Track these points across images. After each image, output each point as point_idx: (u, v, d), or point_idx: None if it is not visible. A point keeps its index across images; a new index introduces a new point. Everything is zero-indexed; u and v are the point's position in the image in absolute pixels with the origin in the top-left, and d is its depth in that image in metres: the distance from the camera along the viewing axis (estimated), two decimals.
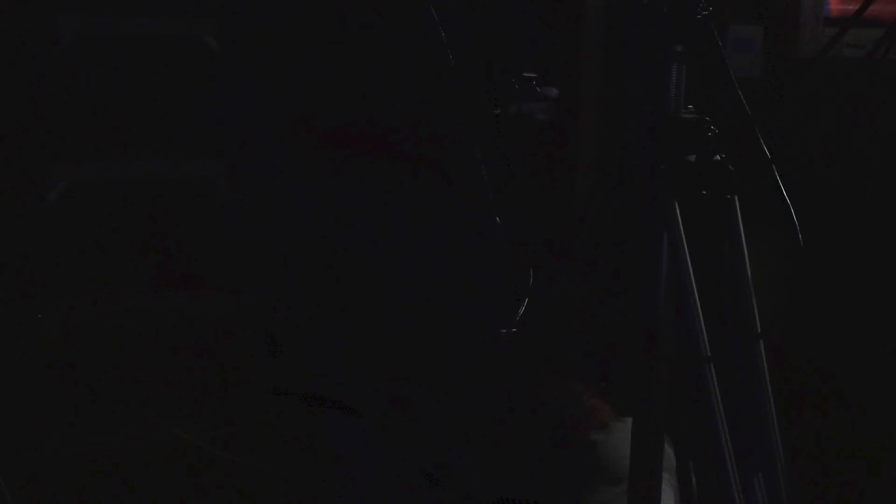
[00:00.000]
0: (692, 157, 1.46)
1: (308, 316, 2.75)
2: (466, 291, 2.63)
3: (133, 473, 2.52)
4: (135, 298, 2.68)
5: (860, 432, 2.77)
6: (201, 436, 2.59)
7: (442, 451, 2.35)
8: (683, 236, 1.43)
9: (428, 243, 2.65)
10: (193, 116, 2.76)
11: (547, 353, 2.48)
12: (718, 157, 1.47)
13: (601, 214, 1.65)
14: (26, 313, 2.55)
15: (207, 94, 2.74)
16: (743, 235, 1.46)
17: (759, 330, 1.47)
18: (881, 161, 2.90)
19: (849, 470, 2.67)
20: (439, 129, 2.67)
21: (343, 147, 2.72)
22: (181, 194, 2.78)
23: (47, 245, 2.63)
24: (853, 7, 2.34)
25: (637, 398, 1.54)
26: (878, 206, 2.90)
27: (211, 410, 2.68)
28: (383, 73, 2.72)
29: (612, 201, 1.61)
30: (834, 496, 2.56)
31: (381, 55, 2.71)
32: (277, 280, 2.78)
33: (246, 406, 2.66)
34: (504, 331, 1.78)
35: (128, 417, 2.62)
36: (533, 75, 2.49)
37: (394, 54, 2.70)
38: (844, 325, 2.90)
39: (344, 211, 2.75)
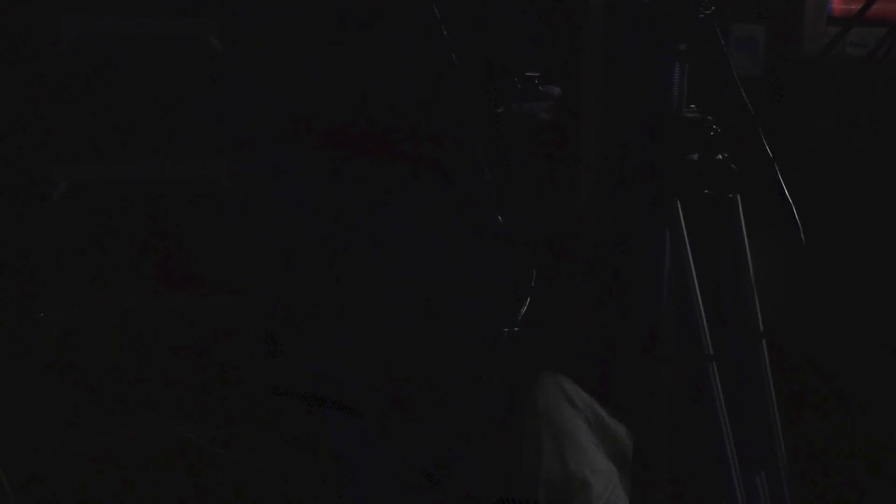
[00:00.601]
0: (695, 157, 1.46)
1: (308, 316, 2.75)
2: (466, 291, 2.63)
3: (133, 473, 2.52)
4: (135, 298, 2.68)
5: (860, 432, 2.77)
6: (201, 436, 2.59)
7: (442, 451, 2.35)
8: (686, 236, 1.43)
9: (428, 243, 2.65)
10: (194, 116, 2.76)
11: (547, 353, 2.48)
12: (721, 157, 1.46)
13: (601, 214, 1.65)
14: (26, 313, 2.55)
15: (208, 93, 2.74)
16: (745, 235, 1.46)
17: (762, 330, 1.47)
18: (881, 161, 2.90)
19: (849, 470, 2.67)
20: (439, 129, 2.67)
21: (343, 147, 2.72)
22: (181, 194, 2.78)
23: (48, 245, 2.63)
24: (856, 6, 2.34)
25: (637, 398, 1.54)
26: (878, 206, 2.90)
27: (211, 410, 2.68)
28: (383, 73, 2.72)
29: (612, 201, 1.61)
30: (834, 496, 2.56)
31: (381, 55, 2.72)
32: (278, 280, 2.78)
33: (246, 406, 2.66)
34: (506, 330, 1.77)
35: (128, 417, 2.62)
36: (535, 74, 2.49)
37: (394, 54, 2.70)
38: (844, 325, 2.90)
39: (344, 211, 2.75)
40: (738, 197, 1.47)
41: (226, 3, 2.73)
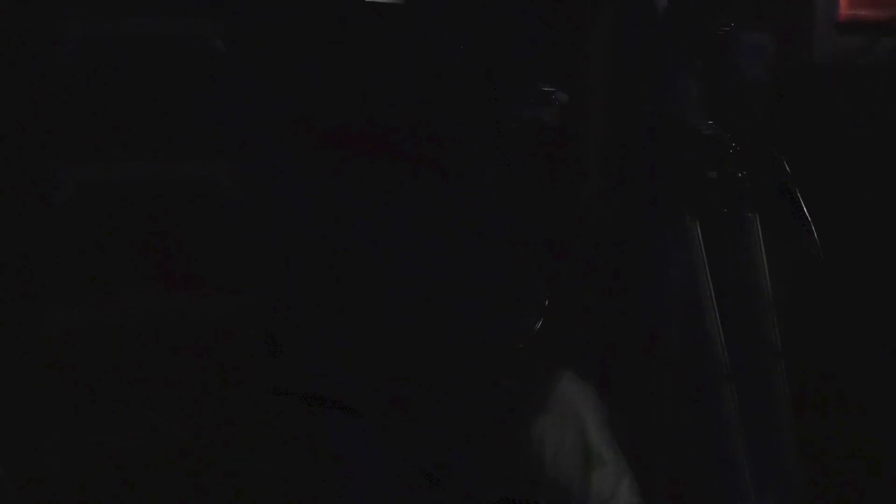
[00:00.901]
0: (713, 174, 1.46)
1: (308, 316, 2.75)
2: (467, 291, 2.63)
3: (133, 473, 2.52)
4: (135, 298, 2.69)
5: (860, 432, 2.77)
6: (201, 436, 2.59)
7: (442, 451, 2.35)
8: (703, 253, 1.43)
9: (428, 243, 2.65)
10: (194, 116, 2.76)
11: (547, 352, 2.48)
12: (739, 175, 1.46)
13: (601, 214, 1.65)
14: (27, 313, 2.55)
15: (208, 93, 2.74)
16: (763, 252, 1.46)
17: (780, 348, 1.47)
18: (881, 161, 2.90)
19: (849, 470, 2.67)
20: (439, 129, 2.67)
21: (343, 147, 2.72)
22: (181, 194, 2.78)
23: (48, 245, 2.64)
24: (864, 11, 2.33)
25: (637, 398, 1.55)
26: (878, 206, 2.90)
27: (211, 410, 2.68)
28: (383, 73, 2.72)
29: (612, 201, 1.61)
30: (834, 496, 2.56)
31: (381, 55, 2.72)
32: (277, 280, 2.78)
33: (246, 406, 2.66)
34: (519, 346, 1.77)
35: (128, 417, 2.62)
36: (552, 90, 2.50)
37: (394, 54, 2.70)
38: (844, 325, 2.90)
39: (344, 211, 2.75)
40: (756, 215, 1.47)
41: (226, 3, 2.73)
